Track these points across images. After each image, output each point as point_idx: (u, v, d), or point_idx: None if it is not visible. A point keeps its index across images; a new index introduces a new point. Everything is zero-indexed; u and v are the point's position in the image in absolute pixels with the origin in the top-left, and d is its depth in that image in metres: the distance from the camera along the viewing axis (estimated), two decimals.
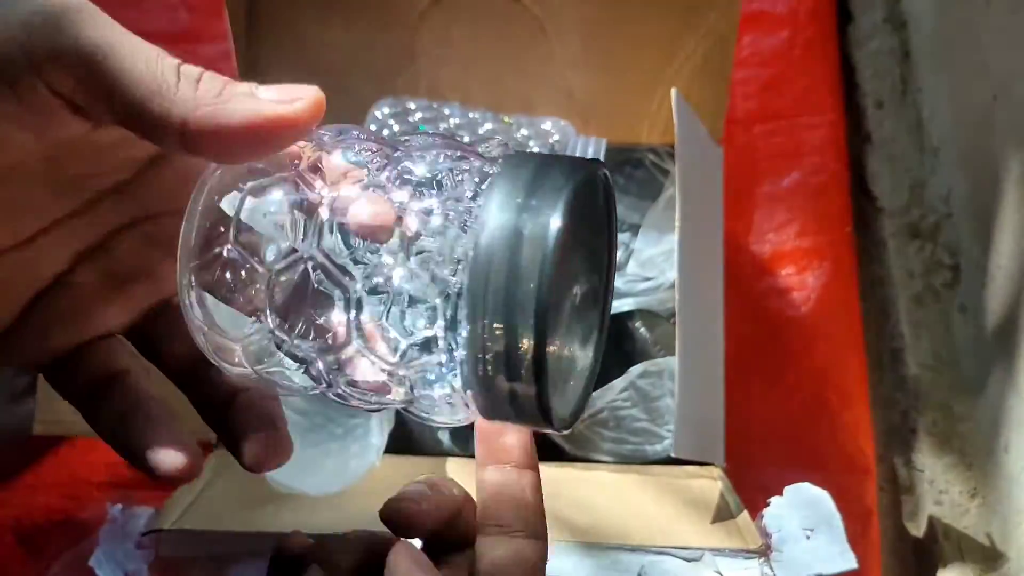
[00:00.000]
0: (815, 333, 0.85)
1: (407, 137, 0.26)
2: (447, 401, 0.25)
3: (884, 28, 0.90)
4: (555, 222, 0.21)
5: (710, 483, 0.63)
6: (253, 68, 0.73)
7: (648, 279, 0.74)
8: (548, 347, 0.21)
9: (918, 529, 0.82)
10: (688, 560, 0.48)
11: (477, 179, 0.23)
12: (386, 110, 0.69)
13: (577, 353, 0.28)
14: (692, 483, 0.63)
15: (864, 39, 0.92)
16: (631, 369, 0.69)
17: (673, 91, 0.63)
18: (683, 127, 0.61)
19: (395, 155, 0.25)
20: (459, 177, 0.24)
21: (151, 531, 0.51)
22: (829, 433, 0.82)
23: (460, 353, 0.23)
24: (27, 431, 0.78)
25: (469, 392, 0.23)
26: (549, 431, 0.24)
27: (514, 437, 0.31)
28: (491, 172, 0.23)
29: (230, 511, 0.53)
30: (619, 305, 0.73)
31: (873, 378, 0.86)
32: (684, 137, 0.61)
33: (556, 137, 0.66)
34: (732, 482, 0.63)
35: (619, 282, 0.75)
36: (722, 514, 0.57)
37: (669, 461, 0.66)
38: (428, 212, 0.23)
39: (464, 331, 0.22)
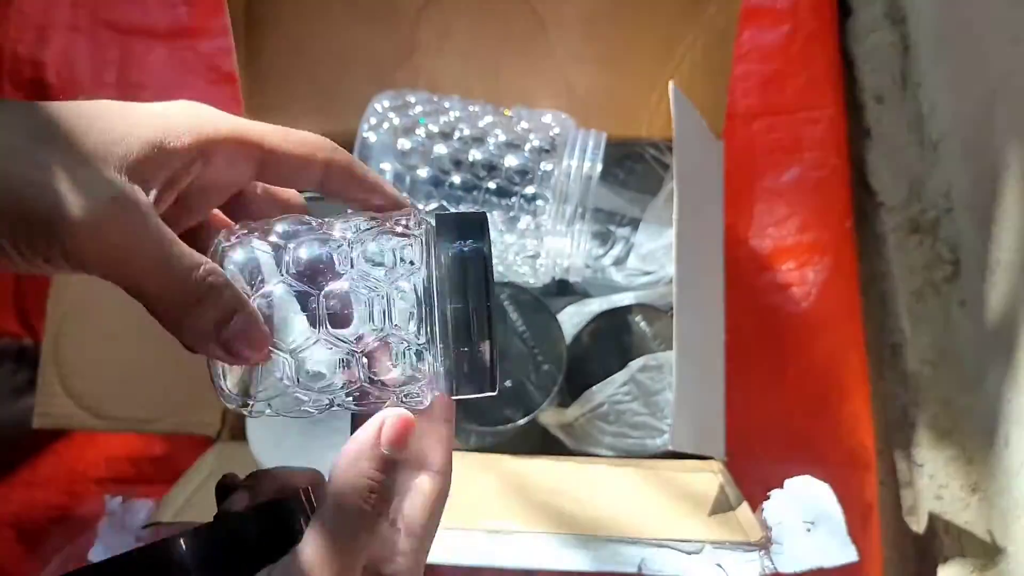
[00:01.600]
0: (815, 328, 0.85)
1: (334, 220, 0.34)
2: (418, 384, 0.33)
3: (884, 22, 0.90)
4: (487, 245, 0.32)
5: (710, 477, 0.63)
6: (253, 63, 0.73)
7: (648, 273, 0.74)
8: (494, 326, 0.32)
9: (918, 524, 0.82)
10: (688, 553, 0.48)
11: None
12: (386, 103, 0.69)
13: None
14: (692, 477, 0.63)
15: (864, 34, 0.91)
16: (631, 363, 0.69)
17: (671, 85, 0.62)
18: (681, 121, 0.61)
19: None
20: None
21: (151, 524, 0.50)
22: (829, 428, 0.82)
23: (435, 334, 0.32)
24: (27, 426, 0.78)
25: (441, 368, 0.33)
26: (489, 393, 0.33)
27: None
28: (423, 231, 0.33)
29: None
30: (619, 299, 0.73)
31: (873, 373, 0.86)
32: (682, 131, 0.61)
33: (556, 130, 0.66)
34: (732, 476, 0.63)
35: (619, 276, 0.75)
36: (722, 507, 0.57)
37: (670, 455, 0.66)
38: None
39: (437, 320, 0.32)
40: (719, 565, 0.47)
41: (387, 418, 0.32)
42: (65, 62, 0.93)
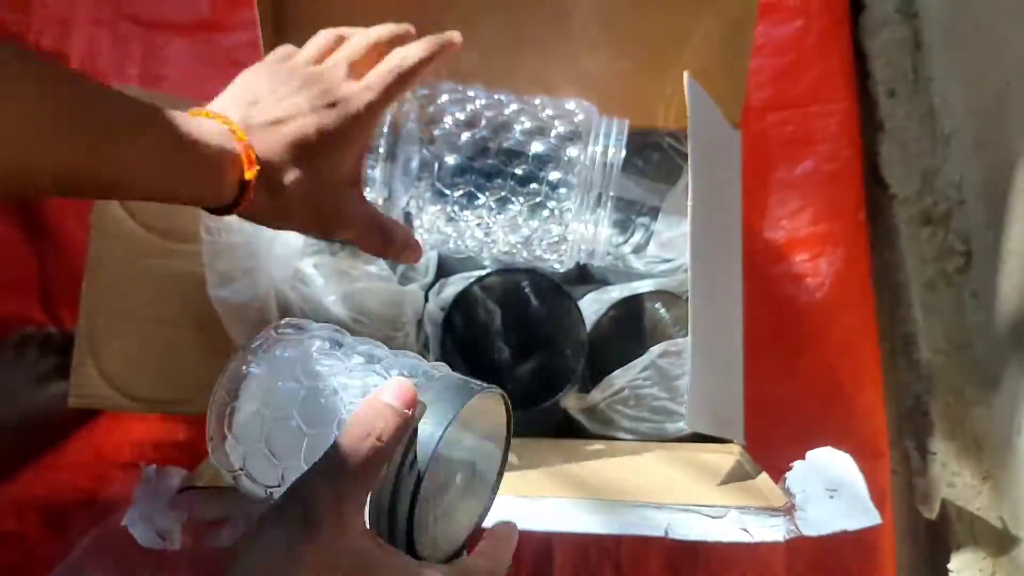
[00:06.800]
0: (829, 319, 0.86)
1: None
2: None
3: (896, 17, 0.91)
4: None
5: (729, 458, 0.64)
6: None
7: (667, 260, 0.75)
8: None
9: (931, 512, 0.82)
10: (714, 518, 0.49)
11: None
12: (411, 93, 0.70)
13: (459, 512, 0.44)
14: (712, 457, 0.63)
15: (876, 28, 0.92)
16: (651, 349, 0.70)
17: (685, 75, 0.63)
18: (696, 110, 0.62)
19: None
20: None
21: (186, 488, 0.51)
22: (843, 417, 0.83)
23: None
24: (52, 412, 0.79)
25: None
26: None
27: None
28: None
29: None
30: (639, 286, 0.74)
31: (886, 363, 0.86)
32: (697, 120, 0.62)
33: (580, 117, 0.67)
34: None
35: (639, 263, 0.76)
36: (743, 479, 0.57)
37: (689, 438, 0.67)
38: None
39: None
40: (744, 529, 0.48)
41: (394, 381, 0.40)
42: (88, 55, 0.94)
